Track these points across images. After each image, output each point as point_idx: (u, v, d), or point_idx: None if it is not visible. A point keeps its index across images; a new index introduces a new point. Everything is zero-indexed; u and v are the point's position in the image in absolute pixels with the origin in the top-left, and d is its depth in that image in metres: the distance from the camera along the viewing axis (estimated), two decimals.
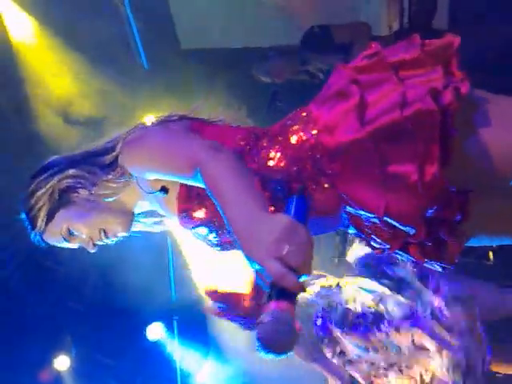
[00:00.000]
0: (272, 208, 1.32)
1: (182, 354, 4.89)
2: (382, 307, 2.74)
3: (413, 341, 2.66)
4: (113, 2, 3.87)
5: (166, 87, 3.78)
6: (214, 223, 1.52)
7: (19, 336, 4.00)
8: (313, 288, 2.92)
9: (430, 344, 2.64)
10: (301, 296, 1.06)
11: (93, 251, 1.66)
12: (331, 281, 2.95)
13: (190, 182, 1.38)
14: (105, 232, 1.62)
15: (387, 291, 2.78)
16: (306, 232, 1.05)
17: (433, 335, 2.64)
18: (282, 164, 1.43)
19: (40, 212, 1.61)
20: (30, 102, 3.69)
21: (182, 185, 1.49)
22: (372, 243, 1.48)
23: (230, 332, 5.00)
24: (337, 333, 2.80)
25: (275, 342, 0.97)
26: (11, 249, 3.81)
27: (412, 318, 2.68)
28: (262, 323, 0.98)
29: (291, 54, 3.93)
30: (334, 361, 2.90)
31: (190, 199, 1.51)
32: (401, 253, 1.48)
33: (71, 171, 1.60)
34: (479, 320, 2.66)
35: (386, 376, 2.76)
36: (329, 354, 2.88)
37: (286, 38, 4.12)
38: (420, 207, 1.30)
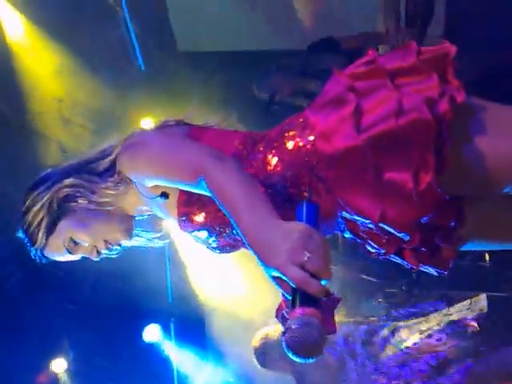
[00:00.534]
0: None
1: (179, 357, 4.89)
2: None
3: None
4: (110, 4, 3.87)
5: (163, 90, 3.79)
6: (214, 227, 1.53)
7: (16, 338, 4.00)
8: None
9: None
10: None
11: (97, 259, 1.65)
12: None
13: (193, 189, 1.39)
14: (107, 241, 1.61)
15: None
16: (322, 237, 1.08)
17: None
18: (278, 169, 1.44)
19: (39, 227, 1.59)
20: (25, 103, 3.69)
21: (181, 189, 1.50)
22: (368, 247, 1.50)
23: (227, 334, 5.01)
24: None
25: (305, 347, 1.00)
26: (8, 251, 3.81)
27: None
28: (290, 329, 1.00)
29: (293, 70, 3.95)
30: None
31: (189, 203, 1.51)
32: (396, 257, 1.50)
33: (68, 181, 1.59)
34: None
35: None
36: None
37: (283, 42, 4.13)
38: (415, 215, 1.32)
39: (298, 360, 1.01)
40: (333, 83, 1.47)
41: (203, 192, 1.34)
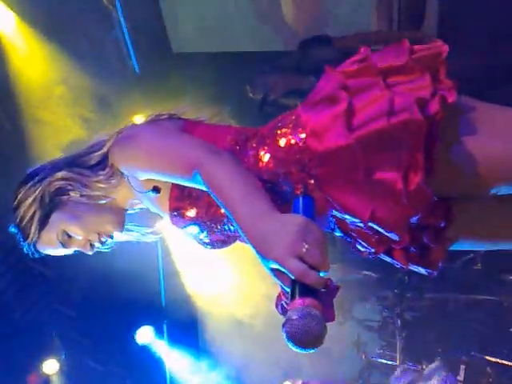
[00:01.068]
0: None
1: (172, 358, 4.88)
2: None
3: None
4: (104, 4, 3.86)
5: (157, 90, 3.78)
6: (205, 223, 1.53)
7: (7, 340, 3.97)
8: None
9: None
10: None
11: (90, 253, 1.64)
12: None
13: (187, 183, 1.39)
14: (100, 233, 1.61)
15: None
16: (319, 229, 1.09)
17: None
18: (270, 166, 1.44)
19: (32, 220, 1.58)
20: (17, 104, 3.67)
21: (173, 184, 1.50)
22: (358, 246, 1.50)
23: (220, 336, 5.01)
24: None
25: (306, 337, 1.00)
26: None
27: None
28: (290, 320, 1.01)
29: (287, 69, 3.95)
30: None
31: (181, 198, 1.51)
32: (386, 257, 1.50)
33: (60, 174, 1.59)
34: None
35: None
36: None
37: (278, 44, 4.14)
38: (404, 215, 1.32)
39: (299, 350, 1.01)
40: (325, 80, 1.48)
41: (198, 186, 1.34)
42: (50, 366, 4.38)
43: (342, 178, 1.36)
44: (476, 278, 3.90)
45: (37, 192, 1.58)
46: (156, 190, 1.53)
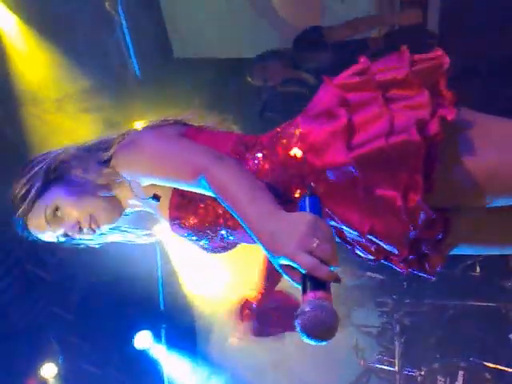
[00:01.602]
0: None
1: (170, 363, 4.86)
2: None
3: None
4: (106, 9, 3.88)
5: (159, 95, 3.79)
6: (205, 232, 1.54)
7: (5, 343, 3.96)
8: None
9: None
10: None
11: (77, 237, 1.63)
12: None
13: (191, 189, 1.40)
14: (92, 219, 1.60)
15: None
16: (328, 226, 1.12)
17: None
18: (268, 175, 1.46)
19: (30, 190, 1.59)
20: (18, 107, 3.68)
21: (174, 192, 1.51)
22: (357, 252, 1.52)
23: (218, 341, 4.99)
24: None
25: (319, 329, 1.02)
26: None
27: None
28: (303, 313, 1.03)
29: (287, 57, 3.93)
30: None
31: (181, 207, 1.52)
32: (385, 262, 1.51)
33: (68, 150, 1.62)
34: None
35: None
36: None
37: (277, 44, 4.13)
38: (404, 231, 1.33)
39: (311, 342, 1.03)
40: (324, 93, 1.48)
41: (203, 191, 1.35)
42: (48, 370, 4.36)
43: (341, 193, 1.38)
44: (475, 284, 3.90)
45: (41, 165, 1.60)
46: (156, 197, 1.54)
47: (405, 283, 4.02)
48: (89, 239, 1.70)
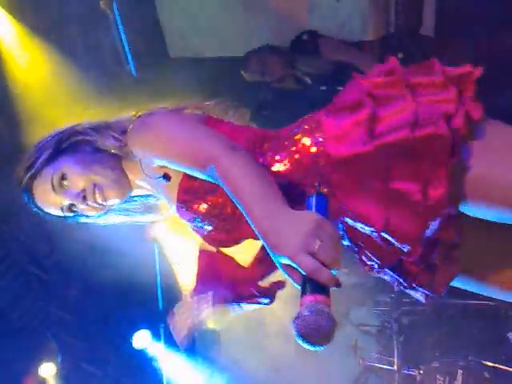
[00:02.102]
0: None
1: (169, 363, 4.86)
2: None
3: None
4: (101, 8, 3.87)
5: (154, 95, 3.78)
6: (211, 219, 1.52)
7: (4, 342, 3.98)
8: None
9: None
10: None
11: (83, 210, 1.61)
12: None
13: (200, 176, 1.39)
14: (99, 189, 1.58)
15: None
16: (333, 227, 1.08)
17: None
18: (286, 168, 1.43)
19: (42, 155, 1.59)
20: (16, 107, 3.68)
21: (184, 175, 1.49)
22: (363, 258, 1.47)
23: (217, 340, 4.99)
24: None
25: (316, 334, 1.00)
26: None
27: None
28: (301, 316, 1.01)
29: (286, 55, 3.90)
30: None
31: (191, 191, 1.50)
32: (389, 272, 1.47)
33: (84, 123, 1.64)
34: None
35: None
36: None
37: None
38: (420, 226, 1.30)
39: (308, 347, 1.01)
40: (351, 87, 1.46)
41: (211, 179, 1.34)
42: (47, 369, 4.38)
43: (358, 184, 1.34)
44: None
45: (56, 132, 1.63)
46: (166, 177, 1.52)
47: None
48: (94, 216, 1.66)
